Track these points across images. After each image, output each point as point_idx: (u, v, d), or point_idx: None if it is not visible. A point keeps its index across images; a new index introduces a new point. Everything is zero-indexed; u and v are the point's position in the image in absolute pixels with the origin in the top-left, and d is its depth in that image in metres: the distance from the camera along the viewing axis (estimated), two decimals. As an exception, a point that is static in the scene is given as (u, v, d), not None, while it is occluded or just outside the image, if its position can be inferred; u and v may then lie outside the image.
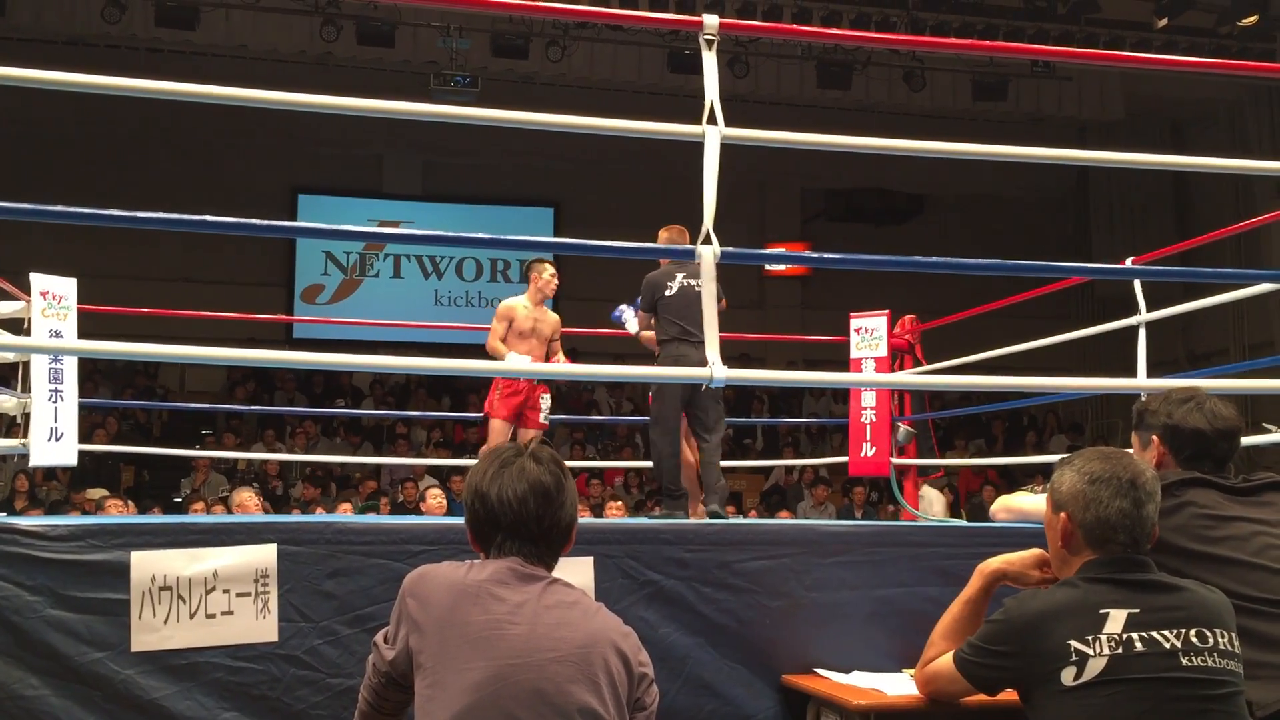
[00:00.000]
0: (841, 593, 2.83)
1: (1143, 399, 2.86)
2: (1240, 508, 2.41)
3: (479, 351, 11.90)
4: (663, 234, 5.63)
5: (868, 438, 6.56)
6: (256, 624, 2.47)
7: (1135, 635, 2.03)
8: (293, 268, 15.68)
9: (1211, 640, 2.05)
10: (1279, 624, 2.25)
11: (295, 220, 14.74)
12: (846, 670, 2.73)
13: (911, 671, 2.46)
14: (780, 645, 2.78)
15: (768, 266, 15.87)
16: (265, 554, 2.49)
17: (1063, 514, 2.20)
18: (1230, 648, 2.07)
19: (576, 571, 2.56)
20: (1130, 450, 2.33)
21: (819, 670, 2.74)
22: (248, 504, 6.31)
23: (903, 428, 6.40)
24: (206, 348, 2.96)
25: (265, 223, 2.87)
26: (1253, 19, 12.17)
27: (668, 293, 5.44)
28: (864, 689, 2.55)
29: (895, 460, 6.49)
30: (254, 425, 12.69)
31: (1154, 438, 2.57)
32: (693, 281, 5.37)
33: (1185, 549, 2.34)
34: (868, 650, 2.80)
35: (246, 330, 13.11)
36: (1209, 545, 2.34)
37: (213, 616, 2.44)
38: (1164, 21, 12.10)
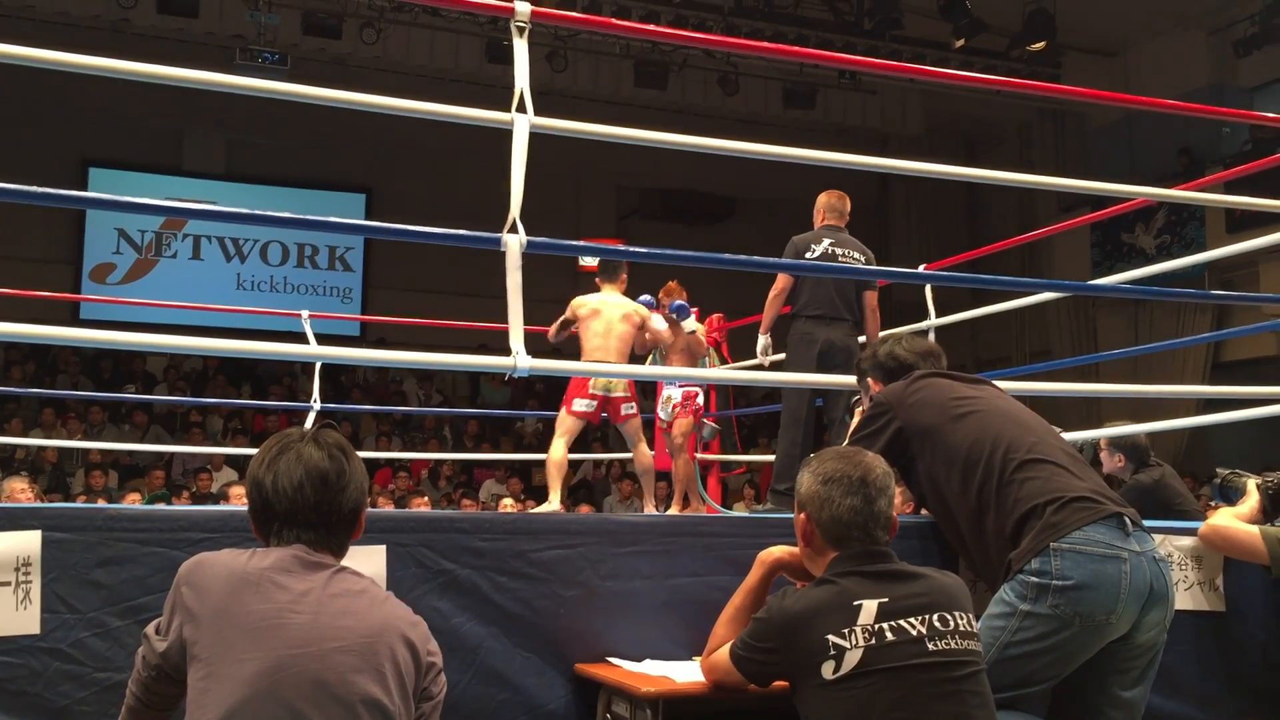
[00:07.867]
0: (635, 582, 2.85)
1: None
2: (969, 388, 2.81)
3: (284, 337, 11.51)
4: (822, 198, 5.15)
5: (672, 433, 6.61)
6: (16, 615, 2.31)
7: (886, 625, 2.13)
8: (81, 245, 14.80)
9: (952, 623, 2.16)
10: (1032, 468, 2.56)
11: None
12: (639, 659, 2.75)
13: (700, 659, 2.51)
14: (574, 635, 2.78)
15: (581, 262, 15.92)
16: (27, 541, 2.33)
17: (803, 514, 2.31)
18: (969, 628, 2.20)
19: (368, 560, 2.50)
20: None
21: (612, 659, 2.76)
22: (18, 495, 5.93)
23: (708, 424, 6.51)
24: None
25: (52, 191, 2.68)
26: (1041, 45, 13.01)
27: (809, 255, 4.88)
28: (654, 677, 2.57)
29: (700, 456, 6.60)
30: (33, 410, 11.91)
31: (869, 381, 3.02)
32: (841, 250, 4.85)
33: (940, 418, 2.70)
34: (660, 639, 2.83)
35: (27, 309, 12.26)
36: (961, 407, 2.71)
37: (-33, 608, 2.27)
38: (961, 42, 12.76)
